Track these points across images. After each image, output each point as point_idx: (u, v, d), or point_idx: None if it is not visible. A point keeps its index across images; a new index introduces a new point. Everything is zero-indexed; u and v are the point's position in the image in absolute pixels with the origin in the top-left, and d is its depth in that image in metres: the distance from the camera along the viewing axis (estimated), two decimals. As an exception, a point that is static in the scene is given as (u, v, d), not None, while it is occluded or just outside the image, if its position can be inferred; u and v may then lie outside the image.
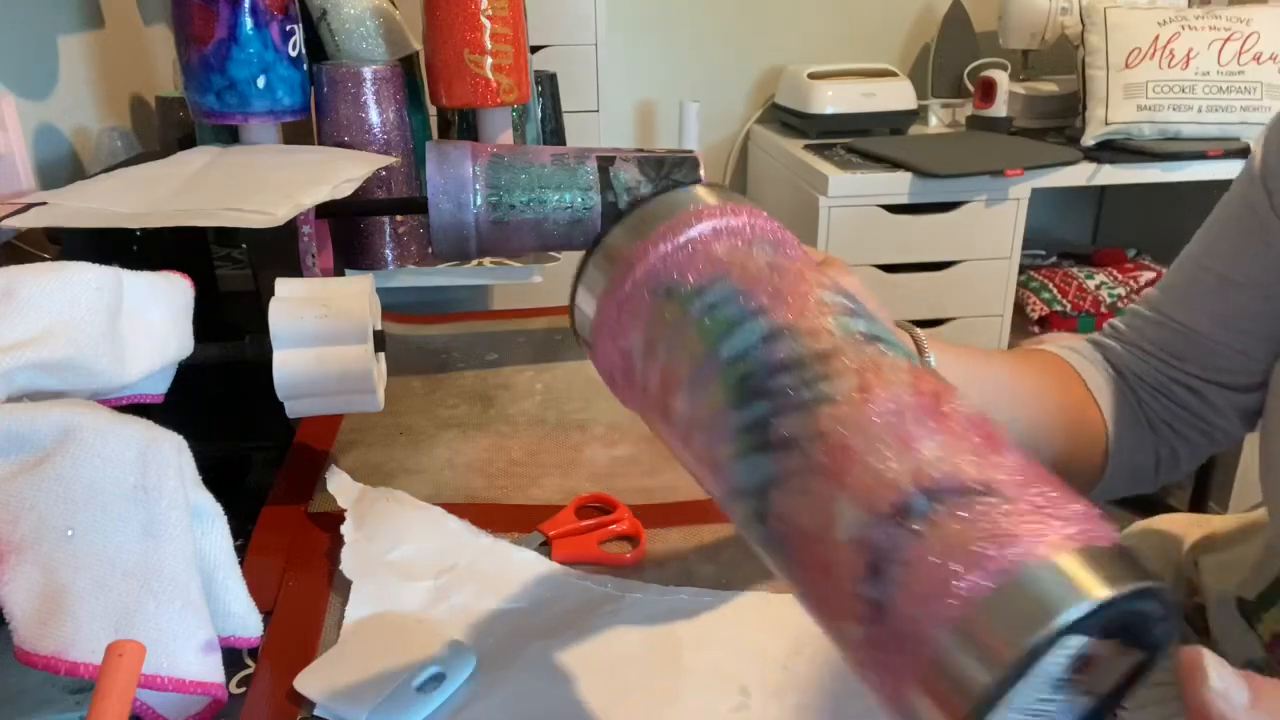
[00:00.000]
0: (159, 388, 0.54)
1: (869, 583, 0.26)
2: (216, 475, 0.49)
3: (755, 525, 0.31)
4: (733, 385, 0.32)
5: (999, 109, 2.01)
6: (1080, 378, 0.61)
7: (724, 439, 0.32)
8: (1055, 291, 1.95)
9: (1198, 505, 2.05)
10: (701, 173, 0.74)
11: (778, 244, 0.36)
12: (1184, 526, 0.73)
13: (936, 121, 2.21)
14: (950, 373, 0.53)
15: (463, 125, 0.93)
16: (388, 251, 0.88)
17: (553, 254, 0.91)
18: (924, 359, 0.52)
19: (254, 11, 0.77)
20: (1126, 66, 1.86)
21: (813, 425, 0.29)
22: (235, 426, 0.72)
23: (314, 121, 0.86)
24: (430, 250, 0.83)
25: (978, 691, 0.23)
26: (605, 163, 0.73)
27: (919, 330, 0.53)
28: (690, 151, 0.76)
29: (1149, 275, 1.99)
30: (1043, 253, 2.18)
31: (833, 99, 2.03)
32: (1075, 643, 0.24)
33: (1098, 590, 0.23)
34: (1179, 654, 0.27)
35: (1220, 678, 0.26)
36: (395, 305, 1.02)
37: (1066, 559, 0.24)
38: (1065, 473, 0.62)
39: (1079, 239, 2.46)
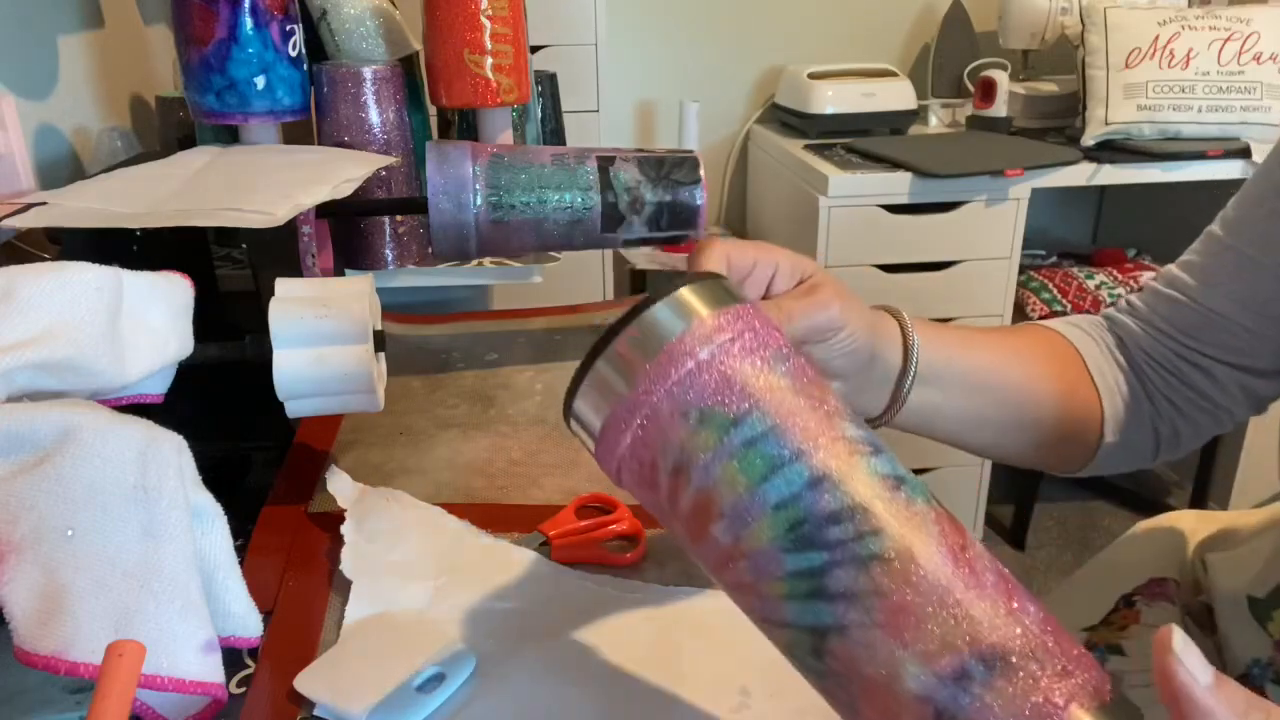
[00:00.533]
0: (159, 388, 0.54)
1: None
2: (216, 475, 0.49)
3: (809, 658, 0.33)
4: (783, 531, 0.33)
5: (999, 109, 2.01)
6: (1079, 355, 0.60)
7: (774, 578, 0.33)
8: (1055, 291, 1.95)
9: (1198, 505, 2.05)
10: (701, 172, 0.74)
11: (787, 356, 0.37)
12: (1191, 524, 0.72)
13: (936, 121, 2.21)
14: (934, 361, 0.53)
15: (463, 125, 0.93)
16: (388, 251, 0.88)
17: (553, 254, 0.91)
18: (909, 344, 0.52)
19: (254, 11, 0.77)
20: (1126, 66, 1.86)
21: (870, 583, 0.32)
22: (235, 426, 0.72)
23: (314, 121, 0.86)
24: (430, 250, 0.83)
25: None
26: (605, 163, 0.73)
27: (904, 314, 0.53)
28: (690, 151, 0.76)
29: (1149, 275, 1.99)
30: (1043, 253, 2.19)
31: (833, 99, 2.03)
32: None
33: None
34: (1155, 633, 0.30)
35: (1186, 652, 0.29)
36: (395, 305, 1.02)
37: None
38: (1057, 450, 0.62)
39: (1079, 239, 2.46)
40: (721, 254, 0.45)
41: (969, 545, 0.33)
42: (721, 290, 0.38)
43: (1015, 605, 0.32)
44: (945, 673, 0.30)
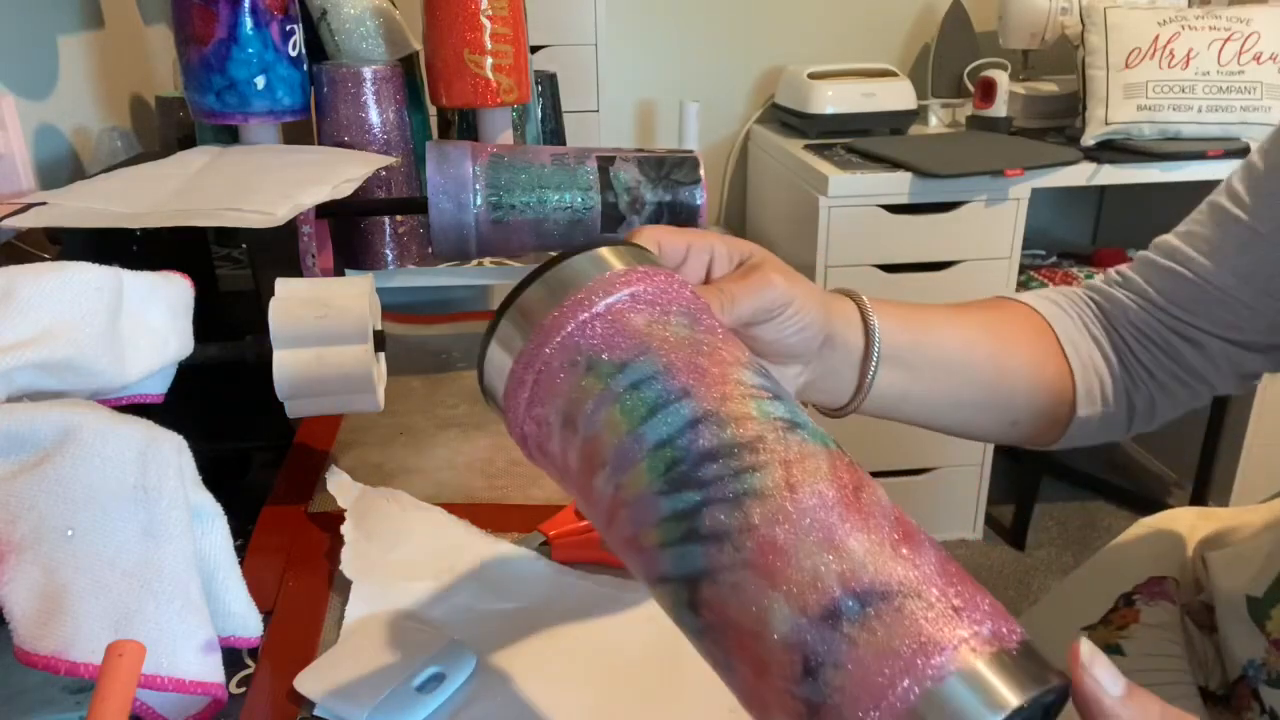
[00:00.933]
0: (159, 388, 0.54)
1: (803, 683, 0.28)
2: (216, 475, 0.49)
3: (685, 612, 0.31)
4: (659, 471, 0.32)
5: (999, 109, 2.01)
6: (1051, 329, 0.60)
7: (650, 525, 0.32)
8: (1055, 291, 1.95)
9: (1198, 504, 2.05)
10: (701, 172, 0.74)
11: (693, 313, 0.36)
12: (1191, 521, 0.72)
13: (936, 121, 2.21)
14: (899, 344, 0.53)
15: (463, 125, 0.93)
16: (388, 251, 0.88)
17: (552, 254, 0.91)
18: (868, 324, 0.51)
19: (254, 11, 0.77)
20: (1126, 66, 1.86)
21: (743, 519, 0.30)
22: (235, 426, 0.72)
23: (314, 121, 0.86)
24: (430, 250, 0.83)
25: None
26: (605, 163, 0.73)
27: (863, 297, 0.52)
28: (690, 151, 0.76)
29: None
30: (1043, 253, 2.19)
31: (833, 99, 2.03)
32: None
33: (1012, 698, 0.26)
34: (1072, 644, 0.29)
35: (1094, 663, 0.28)
36: (395, 305, 1.02)
37: (984, 667, 0.27)
38: (1028, 427, 0.61)
39: (1079, 239, 2.46)
40: (652, 238, 0.44)
41: (864, 488, 0.31)
42: (633, 254, 0.38)
43: (906, 550, 0.29)
44: (814, 612, 0.28)
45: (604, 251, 0.37)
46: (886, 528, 0.30)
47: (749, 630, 0.29)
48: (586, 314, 0.35)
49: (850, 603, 0.28)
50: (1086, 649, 0.28)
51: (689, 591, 0.31)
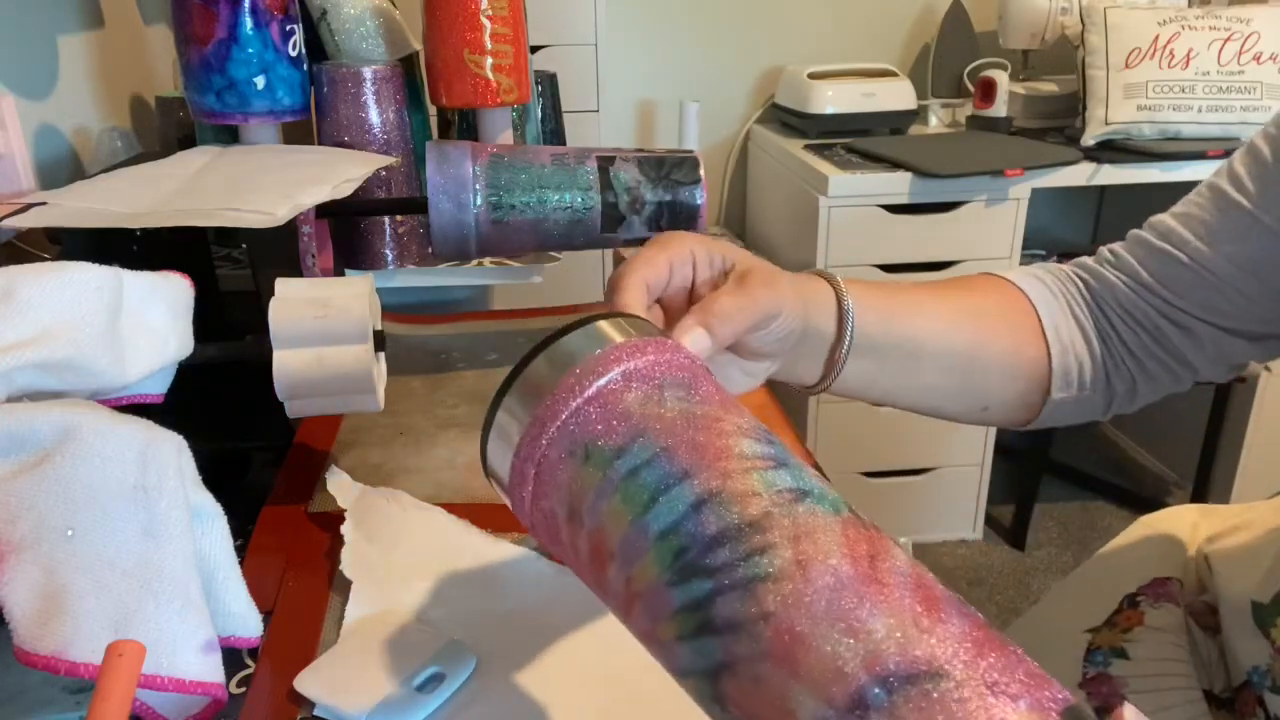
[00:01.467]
0: (159, 388, 0.54)
1: None
2: (216, 475, 0.49)
3: (714, 706, 0.30)
4: (667, 562, 0.31)
5: (999, 109, 2.01)
6: (1033, 309, 0.59)
7: (665, 618, 0.31)
8: (1055, 291, 1.95)
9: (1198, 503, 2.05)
10: (701, 172, 0.74)
11: (688, 384, 0.36)
12: (1193, 519, 0.71)
13: (936, 121, 2.21)
14: (872, 333, 0.52)
15: (463, 125, 0.93)
16: (388, 251, 0.88)
17: (553, 254, 0.91)
18: (843, 308, 0.51)
19: (254, 11, 0.77)
20: (1126, 66, 1.86)
21: (756, 606, 0.29)
22: (235, 426, 0.72)
23: (314, 121, 0.86)
24: (430, 250, 0.83)
25: None
26: (605, 163, 0.73)
27: (839, 281, 0.52)
28: (690, 151, 0.76)
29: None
30: (1043, 253, 2.19)
31: (833, 99, 2.03)
32: None
33: None
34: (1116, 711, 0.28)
35: None
36: (395, 305, 1.02)
37: None
38: (1001, 410, 0.60)
39: (1079, 239, 2.46)
40: (639, 284, 0.44)
41: (880, 555, 0.30)
42: (618, 327, 0.37)
43: (929, 621, 0.28)
44: (841, 703, 0.27)
45: (597, 327, 0.37)
46: (908, 598, 0.29)
47: None
48: (579, 400, 0.34)
49: (876, 691, 0.26)
50: (1130, 714, 0.27)
51: (711, 685, 0.30)
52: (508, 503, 0.38)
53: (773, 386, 0.53)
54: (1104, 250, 0.62)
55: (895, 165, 1.80)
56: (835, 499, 0.32)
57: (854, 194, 1.78)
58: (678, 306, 0.48)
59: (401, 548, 0.58)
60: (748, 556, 0.30)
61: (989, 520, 2.14)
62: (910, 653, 0.27)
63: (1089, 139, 1.89)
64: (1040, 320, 0.59)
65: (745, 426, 0.34)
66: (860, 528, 0.31)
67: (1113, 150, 1.87)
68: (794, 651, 0.28)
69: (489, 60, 0.82)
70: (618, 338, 0.36)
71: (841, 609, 0.28)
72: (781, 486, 0.32)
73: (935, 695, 0.26)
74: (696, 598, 0.30)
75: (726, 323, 0.43)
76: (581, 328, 0.37)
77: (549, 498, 0.35)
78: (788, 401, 0.73)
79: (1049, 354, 0.58)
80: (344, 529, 0.59)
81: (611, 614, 0.35)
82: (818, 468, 0.70)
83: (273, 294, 0.59)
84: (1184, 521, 0.71)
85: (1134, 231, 0.61)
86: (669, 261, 0.46)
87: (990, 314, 0.58)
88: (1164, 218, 0.60)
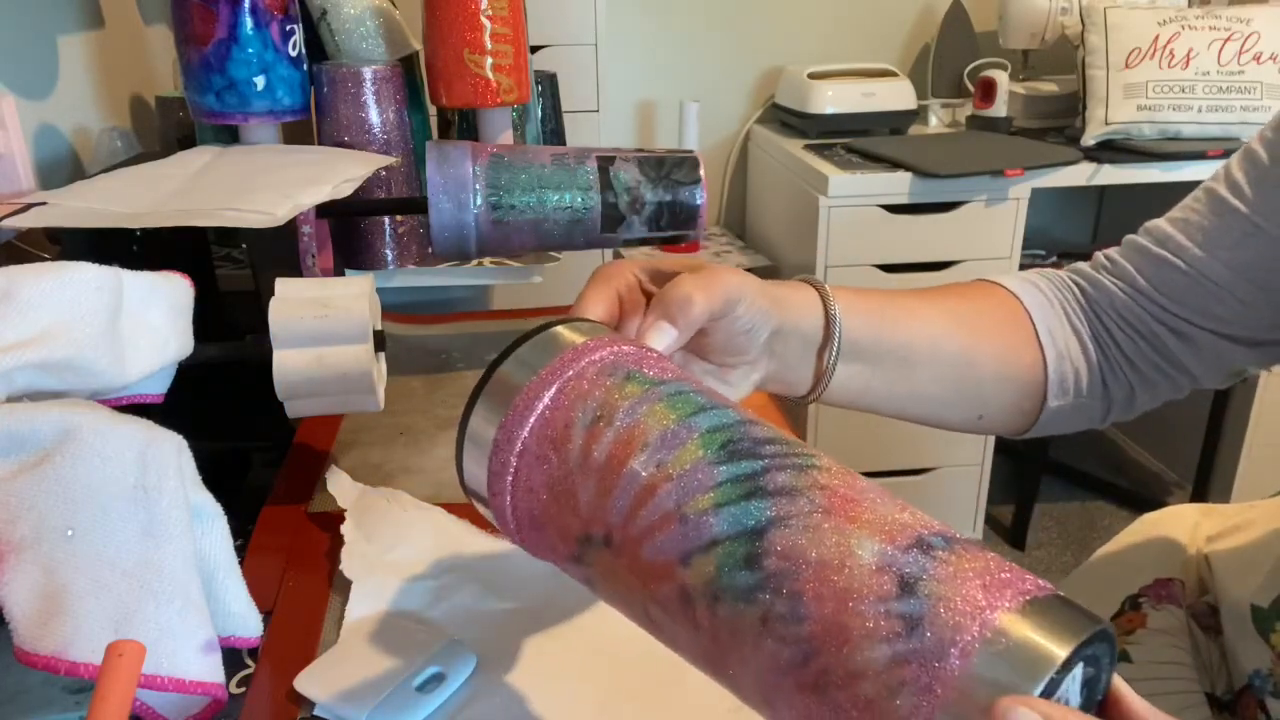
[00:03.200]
0: (159, 388, 0.54)
1: (901, 600, 0.28)
2: (216, 475, 0.49)
3: (734, 573, 0.31)
4: (715, 447, 0.33)
5: (999, 109, 2.01)
6: (1028, 316, 0.58)
7: (705, 490, 0.33)
8: (1055, 291, 1.95)
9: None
10: (701, 172, 0.74)
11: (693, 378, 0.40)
12: (1194, 519, 0.70)
13: (936, 121, 2.21)
14: (861, 339, 0.52)
15: (463, 125, 0.93)
16: (388, 251, 0.88)
17: (553, 254, 0.91)
18: (829, 313, 0.50)
19: (254, 11, 0.77)
20: (1126, 66, 1.86)
21: (811, 479, 0.32)
22: (235, 426, 0.72)
23: (314, 121, 0.86)
24: (430, 250, 0.83)
25: (1044, 668, 0.27)
26: (605, 163, 0.73)
27: (825, 286, 0.51)
28: (690, 151, 0.76)
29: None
30: (1043, 253, 2.19)
31: (833, 99, 2.03)
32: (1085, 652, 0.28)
33: (1098, 613, 0.29)
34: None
35: None
36: (395, 305, 1.02)
37: (1063, 594, 0.29)
38: (996, 418, 0.60)
39: (1079, 239, 2.46)
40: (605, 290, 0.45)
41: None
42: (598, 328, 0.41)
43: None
44: (903, 541, 0.30)
45: (587, 322, 0.41)
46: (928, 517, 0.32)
47: (831, 563, 0.30)
48: (614, 347, 0.38)
49: (935, 539, 0.30)
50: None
51: (748, 545, 0.31)
52: (489, 450, 0.37)
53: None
54: (1100, 256, 0.62)
55: (895, 165, 1.80)
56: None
57: (854, 194, 1.78)
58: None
59: (401, 548, 0.58)
60: (798, 452, 0.33)
61: (989, 520, 2.14)
62: (948, 529, 0.31)
63: (1089, 139, 1.89)
64: (1035, 327, 0.58)
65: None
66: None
67: (1113, 150, 1.87)
68: (851, 509, 0.31)
69: (489, 60, 0.82)
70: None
71: (885, 497, 0.32)
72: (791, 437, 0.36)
73: (980, 550, 0.30)
74: (746, 472, 0.33)
75: (690, 301, 0.43)
76: (576, 321, 0.40)
77: (570, 409, 0.36)
78: (787, 402, 0.73)
79: (1044, 361, 0.57)
80: (344, 529, 0.59)
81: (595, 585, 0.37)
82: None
83: (273, 294, 0.59)
84: (1185, 521, 0.71)
85: (1130, 237, 0.61)
86: (614, 289, 0.46)
87: (984, 320, 0.57)
88: (1160, 223, 0.59)
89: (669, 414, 0.34)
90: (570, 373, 0.36)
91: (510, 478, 0.37)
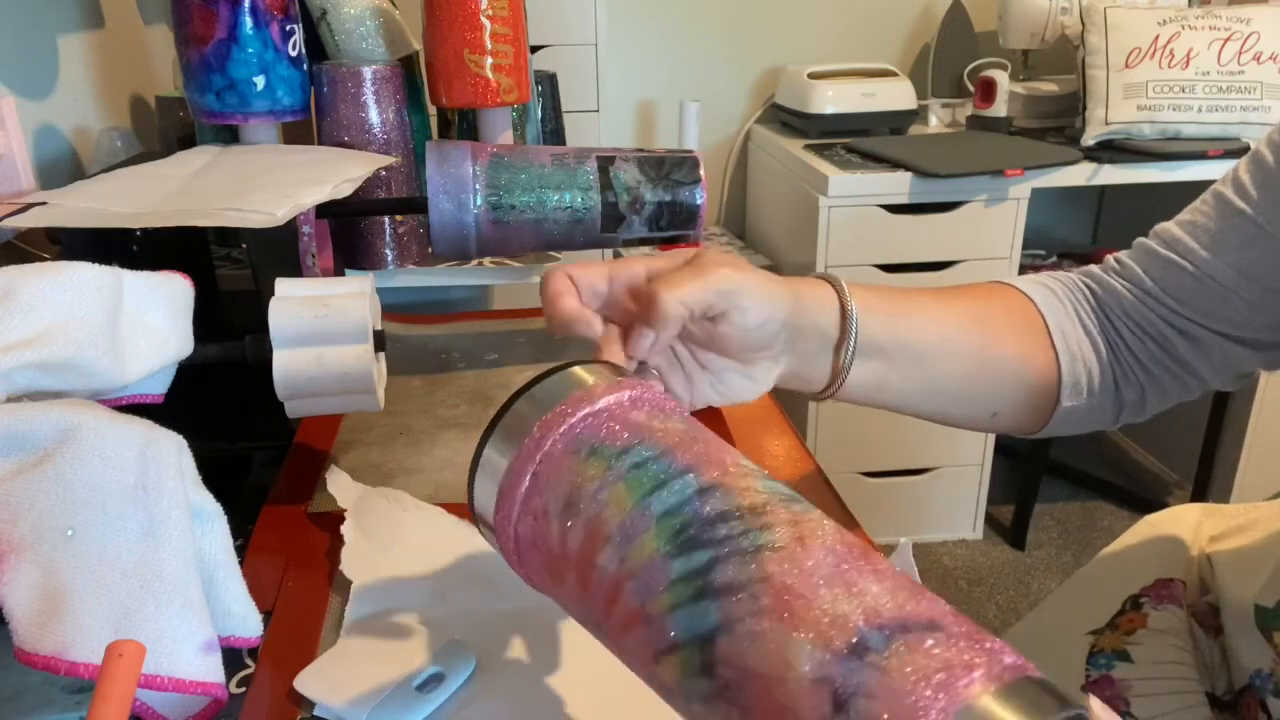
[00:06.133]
0: (159, 388, 0.54)
1: (835, 718, 0.27)
2: (216, 475, 0.49)
3: (697, 680, 0.31)
4: (668, 536, 0.32)
5: (999, 109, 2.01)
6: (1040, 317, 0.59)
7: (660, 590, 0.32)
8: (1055, 291, 1.95)
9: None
10: (701, 172, 0.74)
11: (686, 418, 0.39)
12: (1196, 518, 0.71)
13: (936, 121, 2.21)
14: (877, 335, 0.52)
15: (463, 125, 0.93)
16: (388, 251, 0.88)
17: (553, 254, 0.91)
18: (846, 309, 0.51)
19: (254, 11, 0.77)
20: (1126, 66, 1.86)
21: (758, 570, 0.30)
22: (235, 426, 0.72)
23: (314, 121, 0.86)
24: (430, 250, 0.83)
25: None
26: (605, 163, 0.73)
27: (843, 282, 0.52)
28: (690, 151, 0.76)
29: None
30: (1043, 253, 2.19)
31: (833, 99, 2.03)
32: None
33: (1052, 709, 0.26)
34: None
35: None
36: (395, 305, 1.02)
37: (1017, 685, 0.27)
38: (1010, 417, 0.61)
39: (1079, 239, 2.46)
40: (562, 278, 0.45)
41: (870, 551, 0.32)
42: (615, 368, 0.41)
43: (920, 594, 0.30)
44: (839, 647, 0.28)
45: (596, 365, 0.40)
46: (897, 578, 0.30)
47: (772, 675, 0.28)
48: (589, 409, 0.37)
49: (875, 636, 0.28)
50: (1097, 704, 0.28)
51: (702, 653, 0.30)
52: (491, 519, 0.39)
53: (773, 389, 0.53)
54: (1110, 259, 0.62)
55: (895, 165, 1.80)
56: (821, 515, 0.34)
57: (854, 194, 1.78)
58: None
59: (401, 548, 0.58)
60: (748, 531, 0.31)
61: (989, 520, 2.14)
62: (904, 609, 0.29)
63: (1089, 139, 1.89)
64: (1048, 328, 0.58)
65: (738, 452, 0.37)
66: (849, 532, 0.33)
67: (1113, 150, 1.87)
68: (794, 607, 0.29)
69: (489, 60, 0.82)
70: (616, 375, 0.40)
71: (839, 574, 0.30)
72: (779, 490, 0.34)
73: (930, 642, 0.27)
74: (695, 567, 0.31)
75: (679, 286, 0.43)
76: (588, 363, 0.40)
77: (544, 494, 0.36)
78: (788, 402, 0.73)
79: (1058, 362, 0.58)
80: (344, 529, 0.59)
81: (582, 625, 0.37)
82: (818, 469, 0.70)
83: (273, 294, 0.59)
84: (1188, 521, 0.71)
85: (1140, 239, 0.61)
86: (607, 271, 0.46)
87: (998, 320, 0.58)
88: (1169, 225, 0.60)
89: (627, 498, 0.34)
90: (540, 454, 0.37)
91: (516, 559, 0.39)
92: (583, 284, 0.45)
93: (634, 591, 0.33)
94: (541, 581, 0.38)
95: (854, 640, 0.28)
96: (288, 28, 0.80)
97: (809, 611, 0.29)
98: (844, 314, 0.51)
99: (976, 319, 0.57)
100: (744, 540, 0.31)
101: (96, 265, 0.48)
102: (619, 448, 0.35)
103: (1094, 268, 0.63)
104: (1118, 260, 0.62)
